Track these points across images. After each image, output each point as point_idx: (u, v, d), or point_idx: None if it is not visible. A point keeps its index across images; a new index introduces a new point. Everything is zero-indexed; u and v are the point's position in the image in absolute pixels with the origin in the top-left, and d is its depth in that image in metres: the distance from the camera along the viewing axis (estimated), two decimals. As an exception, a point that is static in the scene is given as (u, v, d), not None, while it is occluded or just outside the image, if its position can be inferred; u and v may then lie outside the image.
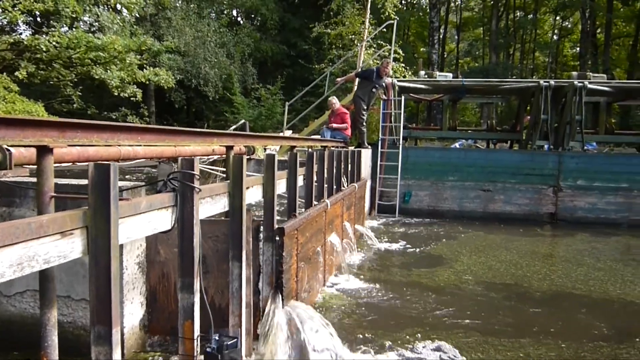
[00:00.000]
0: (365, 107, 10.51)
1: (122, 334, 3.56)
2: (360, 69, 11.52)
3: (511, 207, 10.79)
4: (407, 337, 4.11)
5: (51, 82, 13.21)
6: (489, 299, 5.31)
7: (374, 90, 10.45)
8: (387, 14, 16.16)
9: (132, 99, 13.89)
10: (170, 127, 3.28)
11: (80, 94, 14.50)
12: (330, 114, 10.78)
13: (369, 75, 10.53)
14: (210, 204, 2.96)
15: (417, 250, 7.57)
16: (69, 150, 2.62)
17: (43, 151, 2.04)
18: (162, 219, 2.42)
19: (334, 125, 10.31)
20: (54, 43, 11.37)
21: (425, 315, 4.70)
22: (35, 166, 2.10)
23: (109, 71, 12.63)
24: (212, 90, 20.76)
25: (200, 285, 2.66)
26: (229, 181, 3.25)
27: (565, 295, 5.52)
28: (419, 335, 4.14)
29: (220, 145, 4.46)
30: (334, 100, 10.75)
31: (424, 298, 5.18)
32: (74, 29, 12.11)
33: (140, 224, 2.22)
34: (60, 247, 1.75)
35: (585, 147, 11.54)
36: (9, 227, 1.53)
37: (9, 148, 2.34)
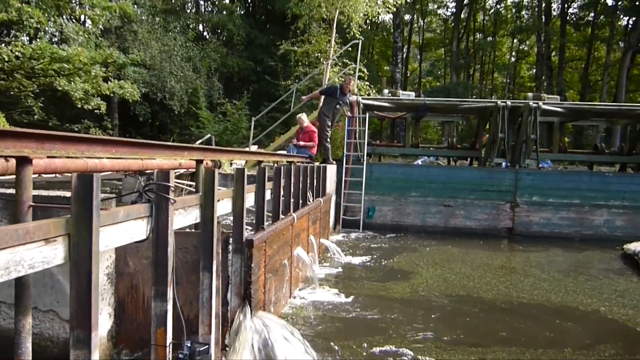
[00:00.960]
0: (330, 124, 10.71)
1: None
2: (324, 87, 11.77)
3: (471, 222, 11.16)
4: (369, 345, 4.27)
5: (12, 93, 12.95)
6: (441, 308, 5.54)
7: (337, 106, 10.66)
8: (352, 33, 16.56)
9: (96, 111, 13.73)
10: (144, 141, 3.37)
11: (41, 105, 14.25)
12: (298, 130, 10.94)
13: (333, 92, 10.74)
14: (183, 215, 3.06)
15: (380, 263, 7.76)
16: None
17: (23, 162, 2.11)
18: (138, 229, 2.51)
19: (302, 143, 10.47)
20: (16, 53, 11.20)
21: (386, 324, 4.88)
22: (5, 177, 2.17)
23: (72, 83, 12.48)
24: (178, 104, 20.69)
25: (173, 293, 2.74)
26: (200, 194, 3.35)
27: (509, 304, 5.82)
28: (379, 343, 4.33)
29: (190, 159, 4.56)
30: (303, 117, 10.92)
31: (384, 309, 5.36)
32: (37, 40, 11.94)
33: (118, 233, 2.31)
34: (45, 253, 1.84)
35: (541, 165, 12.07)
36: (-2, 233, 1.61)
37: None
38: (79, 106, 13.38)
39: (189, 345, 2.79)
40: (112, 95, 14.84)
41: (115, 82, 13.90)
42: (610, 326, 5.20)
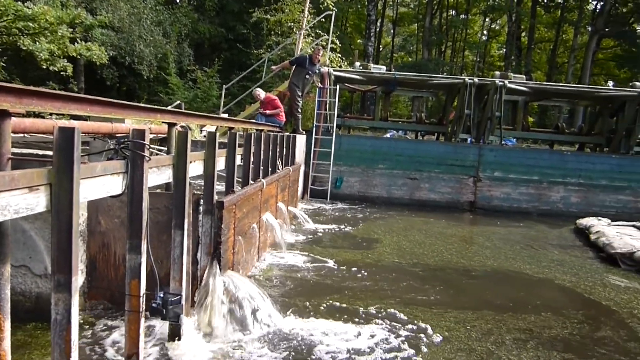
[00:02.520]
0: (300, 94, 10.77)
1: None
2: (294, 57, 11.80)
3: (435, 195, 11.52)
4: (330, 303, 4.52)
5: (-28, 51, 12.52)
6: (399, 272, 5.83)
7: (307, 76, 10.69)
8: (326, 4, 16.51)
9: (62, 73, 13.37)
10: (118, 101, 3.43)
11: (4, 64, 13.81)
12: (260, 104, 11.02)
13: (302, 61, 10.73)
14: (157, 174, 3.17)
15: (345, 231, 8.03)
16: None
17: (2, 115, 2.19)
18: (114, 184, 2.63)
19: (268, 111, 10.55)
20: (-22, 10, 10.83)
21: (347, 286, 5.14)
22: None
23: (37, 43, 12.11)
24: (147, 69, 20.28)
25: (148, 247, 2.88)
26: (173, 154, 3.46)
27: (449, 268, 6.25)
28: (339, 301, 4.59)
29: (163, 122, 4.63)
30: (258, 91, 10.97)
31: (347, 272, 5.62)
32: (0, -4, 11.53)
33: (95, 186, 2.42)
34: (28, 200, 1.95)
35: (505, 142, 12.47)
36: (-13, 178, 1.72)
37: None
38: (44, 67, 13.00)
39: (161, 295, 2.94)
40: (78, 57, 14.47)
41: (82, 44, 13.53)
42: (544, 289, 5.58)
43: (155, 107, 4.05)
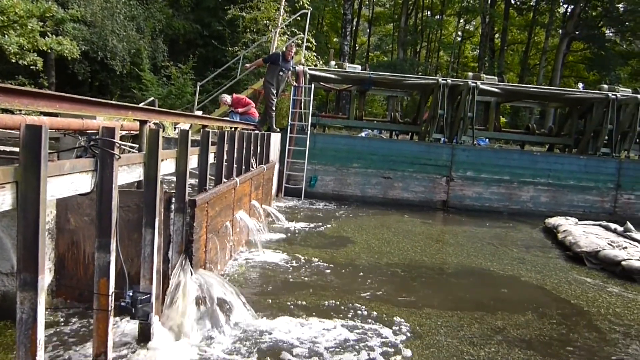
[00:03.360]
0: (275, 92, 10.70)
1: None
2: (272, 54, 11.80)
3: (408, 194, 11.65)
4: (304, 301, 4.55)
5: (-63, 43, 12.14)
6: (366, 269, 5.90)
7: (281, 73, 10.63)
8: (301, 3, 16.51)
9: (31, 67, 13.09)
10: (88, 98, 3.41)
11: (-29, 58, 13.47)
12: (231, 107, 11.01)
13: (275, 59, 10.67)
14: (127, 172, 3.15)
15: (319, 230, 8.06)
16: None
17: (-34, 112, 2.16)
18: (83, 182, 2.60)
19: (240, 110, 10.53)
20: (-57, 0, 10.52)
21: (320, 283, 5.18)
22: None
23: (6, 36, 11.83)
24: (120, 64, 19.94)
25: (117, 245, 2.86)
26: (144, 152, 3.44)
27: (418, 266, 6.34)
28: (312, 299, 4.63)
29: (134, 119, 4.59)
30: (224, 97, 10.96)
31: (320, 270, 5.66)
32: (-33, -12, 11.22)
33: (63, 184, 2.40)
34: (-7, 198, 1.93)
35: (477, 142, 12.68)
36: (-50, 176, 1.70)
37: None
38: (13, 61, 12.71)
39: (130, 294, 2.92)
40: (49, 51, 14.18)
41: (53, 38, 13.26)
42: (512, 286, 5.73)
43: (127, 104, 4.02)
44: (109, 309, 2.82)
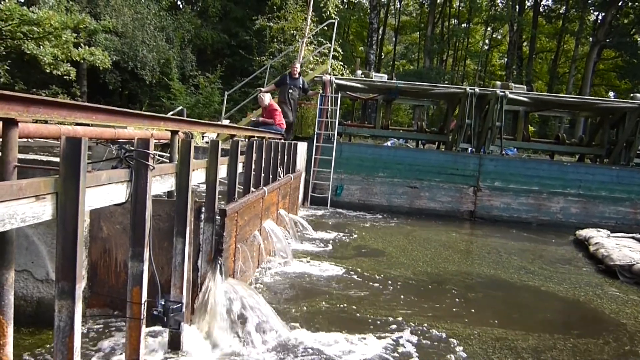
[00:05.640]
0: (291, 108, 11.24)
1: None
2: (280, 77, 12.10)
3: (435, 204, 11.55)
4: (334, 311, 4.53)
5: (-23, 54, 12.60)
6: (399, 280, 5.85)
7: (290, 91, 11.26)
8: (328, 13, 16.60)
9: (65, 77, 13.46)
10: (123, 109, 3.47)
11: (7, 68, 13.89)
12: (262, 110, 11.09)
13: (283, 80, 11.45)
14: (160, 182, 3.20)
15: (347, 240, 8.04)
16: None
17: (9, 124, 2.22)
18: (118, 192, 2.66)
19: (261, 119, 10.62)
20: (-17, 13, 10.91)
21: (350, 295, 5.15)
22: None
23: (41, 47, 12.19)
24: (149, 74, 20.37)
25: (150, 254, 2.90)
26: (176, 162, 3.49)
27: (451, 278, 6.25)
28: (342, 310, 4.59)
29: (166, 129, 4.66)
30: (263, 96, 11.03)
31: (350, 281, 5.63)
32: (5, 0, 11.58)
33: (100, 194, 2.45)
34: (35, 209, 1.98)
35: (505, 152, 12.51)
36: (-5, 187, 1.75)
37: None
38: (48, 71, 13.09)
39: (162, 303, 2.96)
40: (82, 61, 14.55)
41: (85, 49, 13.62)
42: (545, 300, 5.60)
43: (160, 115, 4.09)
44: (142, 317, 2.86)
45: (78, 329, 2.24)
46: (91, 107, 2.98)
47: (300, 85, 11.49)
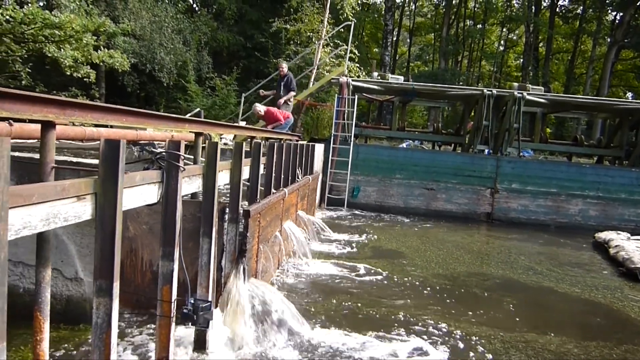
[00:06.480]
0: (283, 102, 11.26)
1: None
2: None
3: (452, 206, 11.52)
4: (355, 311, 4.56)
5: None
6: (418, 281, 5.86)
7: (280, 90, 11.39)
8: (345, 14, 16.64)
9: (85, 79, 13.65)
10: (151, 112, 3.55)
11: (29, 70, 14.12)
12: (263, 119, 11.14)
13: (277, 82, 11.65)
14: (188, 184, 3.26)
15: (365, 240, 8.07)
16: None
17: (47, 126, 2.30)
18: (151, 193, 2.72)
19: (270, 127, 10.65)
20: (7, 17, 11.08)
21: (369, 295, 5.19)
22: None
23: (62, 50, 12.39)
24: (167, 76, 20.58)
25: (180, 254, 2.97)
26: (203, 164, 3.56)
27: (470, 280, 6.25)
28: (363, 311, 4.62)
29: (190, 131, 4.74)
30: (257, 107, 11.07)
31: (368, 281, 5.66)
32: (29, 5, 11.79)
33: (135, 195, 2.52)
34: (76, 208, 2.05)
35: (522, 154, 12.44)
36: (42, 188, 1.82)
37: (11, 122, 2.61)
38: (68, 74, 13.28)
39: (192, 301, 3.02)
40: (101, 64, 14.75)
41: (105, 51, 13.80)
42: (566, 303, 5.58)
43: (184, 117, 4.16)
44: (172, 315, 2.92)
45: (115, 325, 2.30)
46: (121, 109, 3.06)
47: (289, 82, 11.47)
